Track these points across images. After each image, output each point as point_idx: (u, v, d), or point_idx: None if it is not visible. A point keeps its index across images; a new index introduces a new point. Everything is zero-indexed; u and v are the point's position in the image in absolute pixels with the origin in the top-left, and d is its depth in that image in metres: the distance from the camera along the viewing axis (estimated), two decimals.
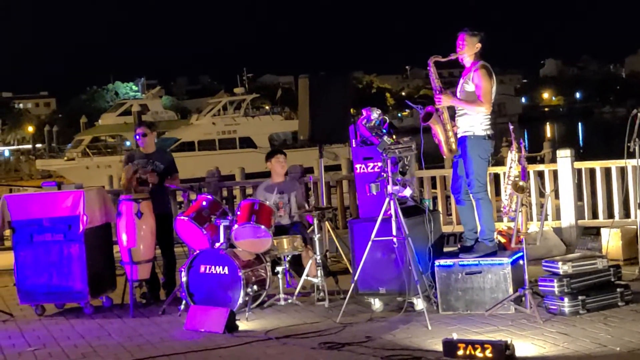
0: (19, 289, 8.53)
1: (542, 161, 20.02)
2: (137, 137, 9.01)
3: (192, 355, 6.51)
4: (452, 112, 7.66)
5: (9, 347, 7.21)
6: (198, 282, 7.97)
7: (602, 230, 9.66)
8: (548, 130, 79.57)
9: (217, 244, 8.07)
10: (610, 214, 10.27)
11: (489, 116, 7.52)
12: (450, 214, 11.27)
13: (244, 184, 12.95)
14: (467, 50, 7.49)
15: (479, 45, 7.51)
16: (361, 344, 6.46)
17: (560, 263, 7.15)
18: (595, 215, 10.50)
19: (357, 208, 8.74)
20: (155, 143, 9.22)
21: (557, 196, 10.63)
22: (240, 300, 7.76)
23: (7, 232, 9.94)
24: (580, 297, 6.98)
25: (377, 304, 7.67)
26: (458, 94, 7.56)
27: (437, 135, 7.63)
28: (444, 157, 7.93)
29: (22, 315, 8.57)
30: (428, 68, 7.61)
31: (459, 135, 7.56)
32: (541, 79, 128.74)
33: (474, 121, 7.46)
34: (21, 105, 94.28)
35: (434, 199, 11.45)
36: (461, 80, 7.57)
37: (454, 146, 7.60)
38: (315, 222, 8.23)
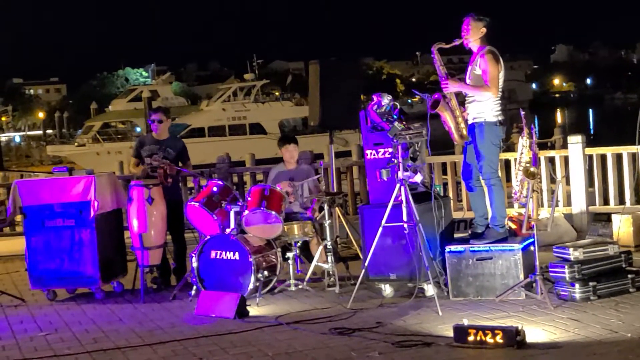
0: (30, 274, 8.57)
1: (552, 147, 19.95)
2: (152, 122, 8.99)
3: (202, 340, 6.53)
4: (462, 98, 7.64)
5: (20, 332, 7.25)
6: (209, 268, 7.99)
7: (613, 217, 9.64)
8: (559, 117, 79.26)
9: (228, 230, 8.08)
10: (621, 200, 10.24)
11: (500, 102, 7.49)
12: (461, 200, 11.26)
13: (254, 170, 12.95)
14: (472, 35, 7.46)
15: (484, 30, 7.47)
16: (372, 330, 6.47)
17: (571, 249, 7.14)
18: (606, 202, 10.46)
19: (367, 194, 8.73)
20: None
21: (568, 182, 10.60)
22: (251, 286, 7.78)
23: (19, 218, 9.97)
24: (591, 283, 6.97)
25: (387, 289, 7.67)
26: (467, 80, 7.54)
27: (447, 122, 7.61)
28: (455, 143, 7.93)
29: (34, 300, 8.61)
30: (432, 55, 7.59)
31: (469, 122, 7.54)
32: (552, 64, 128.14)
33: (485, 107, 7.44)
34: (32, 92, 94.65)
35: (445, 185, 11.43)
36: (469, 67, 7.55)
37: (464, 132, 7.59)
38: (326, 207, 8.23)
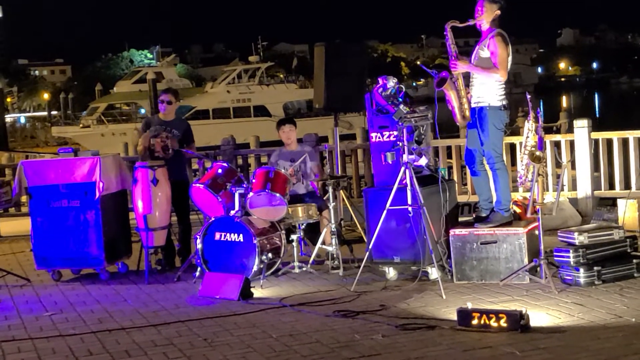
0: (35, 254, 8.60)
1: (558, 131, 19.91)
2: (161, 102, 8.98)
3: (207, 321, 6.55)
4: (467, 80, 7.60)
5: (26, 312, 7.27)
6: (213, 249, 8.00)
7: (619, 201, 9.63)
8: (564, 101, 79.07)
9: (232, 212, 8.09)
10: (627, 185, 10.22)
11: (504, 86, 7.46)
12: (466, 184, 11.25)
13: (258, 152, 12.94)
14: (486, 16, 7.42)
15: (498, 12, 7.43)
16: (375, 313, 6.48)
17: (576, 233, 7.13)
18: (611, 186, 10.45)
19: (372, 177, 8.72)
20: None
21: (573, 166, 10.58)
22: (255, 268, 7.79)
23: (24, 198, 9.99)
24: (595, 268, 6.96)
25: (391, 272, 7.68)
26: (473, 61, 7.50)
27: (451, 101, 7.56)
28: (457, 124, 7.92)
29: (39, 280, 8.64)
30: (445, 33, 7.52)
31: (472, 105, 7.50)
32: (558, 48, 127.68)
33: (489, 91, 7.41)
34: (37, 73, 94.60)
35: (449, 168, 11.42)
36: (477, 47, 7.51)
37: (467, 113, 7.54)
38: (330, 190, 8.23)
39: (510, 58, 7.45)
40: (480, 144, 7.50)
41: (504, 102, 7.46)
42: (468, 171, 11.05)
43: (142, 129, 9.01)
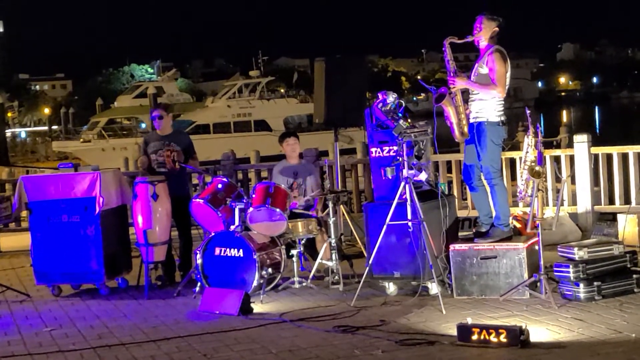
0: (35, 269, 8.59)
1: (558, 146, 19.93)
2: (154, 119, 9.04)
3: (207, 337, 6.54)
4: (467, 96, 7.63)
5: (26, 327, 7.27)
6: (213, 265, 7.99)
7: (619, 216, 9.61)
8: (564, 115, 79.13)
9: (232, 227, 8.09)
10: (627, 200, 10.22)
11: (502, 102, 7.48)
12: (466, 199, 11.24)
13: (259, 167, 12.95)
14: (484, 33, 7.45)
15: (496, 29, 7.47)
16: (375, 328, 6.48)
17: (576, 249, 7.13)
18: (611, 201, 10.45)
19: (372, 192, 8.72)
20: (172, 125, 9.23)
21: (573, 181, 10.58)
22: (255, 283, 7.78)
23: (24, 213, 9.99)
24: (595, 283, 6.96)
25: (391, 287, 7.67)
26: (472, 78, 7.53)
27: (450, 117, 7.60)
28: (456, 139, 7.94)
29: (39, 296, 8.63)
30: (443, 49, 7.57)
31: (471, 120, 7.53)
32: (558, 63, 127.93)
33: (488, 107, 7.43)
34: (37, 87, 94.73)
35: (449, 183, 11.42)
36: (476, 64, 7.54)
37: (465, 129, 7.59)
38: (330, 205, 8.23)
39: (508, 74, 7.47)
40: (478, 159, 7.52)
41: (502, 118, 7.48)
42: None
43: (142, 149, 9.04)
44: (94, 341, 6.62)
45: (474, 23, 7.49)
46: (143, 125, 50.61)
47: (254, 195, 8.14)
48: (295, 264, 8.21)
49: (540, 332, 6.05)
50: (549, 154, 10.42)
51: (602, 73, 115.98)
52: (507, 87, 7.49)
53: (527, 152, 7.45)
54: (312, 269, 8.28)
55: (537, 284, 7.11)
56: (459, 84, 7.49)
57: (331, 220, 8.22)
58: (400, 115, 7.78)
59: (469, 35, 7.47)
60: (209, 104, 48.55)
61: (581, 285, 6.93)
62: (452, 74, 7.52)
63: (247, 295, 7.34)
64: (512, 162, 10.57)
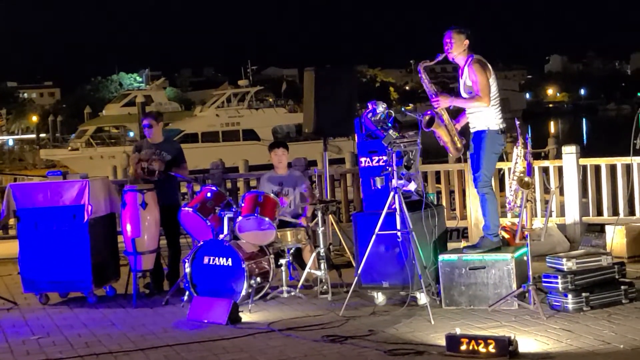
0: (23, 277, 8.55)
1: (546, 157, 19.97)
2: (144, 128, 9.04)
3: (194, 346, 6.52)
4: (452, 111, 7.67)
5: (13, 335, 7.23)
6: (201, 273, 7.98)
7: (607, 227, 9.65)
8: (552, 127, 79.43)
9: (221, 236, 8.08)
10: (614, 211, 10.25)
11: (500, 109, 7.53)
12: (454, 209, 11.27)
13: (247, 176, 12.97)
14: (456, 48, 7.49)
15: (467, 42, 7.51)
16: (364, 338, 6.47)
17: (564, 259, 7.15)
18: (599, 212, 10.48)
19: (361, 201, 8.73)
20: (162, 133, 9.22)
21: (561, 192, 10.61)
22: (243, 292, 7.77)
23: (12, 221, 9.95)
24: (584, 294, 6.98)
25: (380, 297, 7.67)
26: (463, 94, 7.57)
27: (442, 138, 7.65)
28: (451, 155, 7.96)
29: (26, 304, 8.59)
30: (419, 75, 7.66)
31: (472, 130, 7.57)
32: (546, 74, 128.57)
33: (487, 116, 7.47)
34: (25, 95, 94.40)
35: (438, 193, 11.43)
36: (460, 80, 7.58)
37: (459, 144, 7.63)
38: (319, 215, 8.23)
39: (492, 80, 7.49)
40: (473, 164, 7.55)
41: (502, 126, 7.52)
42: (457, 196, 11.10)
43: (134, 153, 9.02)
44: (82, 349, 6.60)
45: (442, 39, 7.52)
46: (131, 134, 50.52)
47: (243, 204, 8.14)
48: (284, 273, 8.20)
49: (529, 342, 6.07)
50: (537, 164, 10.44)
51: (590, 85, 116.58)
52: (496, 94, 7.50)
53: (516, 162, 7.47)
54: (301, 279, 8.27)
55: (526, 294, 7.13)
56: (443, 103, 7.54)
57: (320, 230, 8.22)
58: (389, 125, 7.79)
59: (440, 53, 7.50)
60: (197, 113, 48.55)
61: (569, 296, 6.95)
62: (434, 96, 7.56)
63: (236, 304, 7.32)
64: (500, 172, 10.59)
